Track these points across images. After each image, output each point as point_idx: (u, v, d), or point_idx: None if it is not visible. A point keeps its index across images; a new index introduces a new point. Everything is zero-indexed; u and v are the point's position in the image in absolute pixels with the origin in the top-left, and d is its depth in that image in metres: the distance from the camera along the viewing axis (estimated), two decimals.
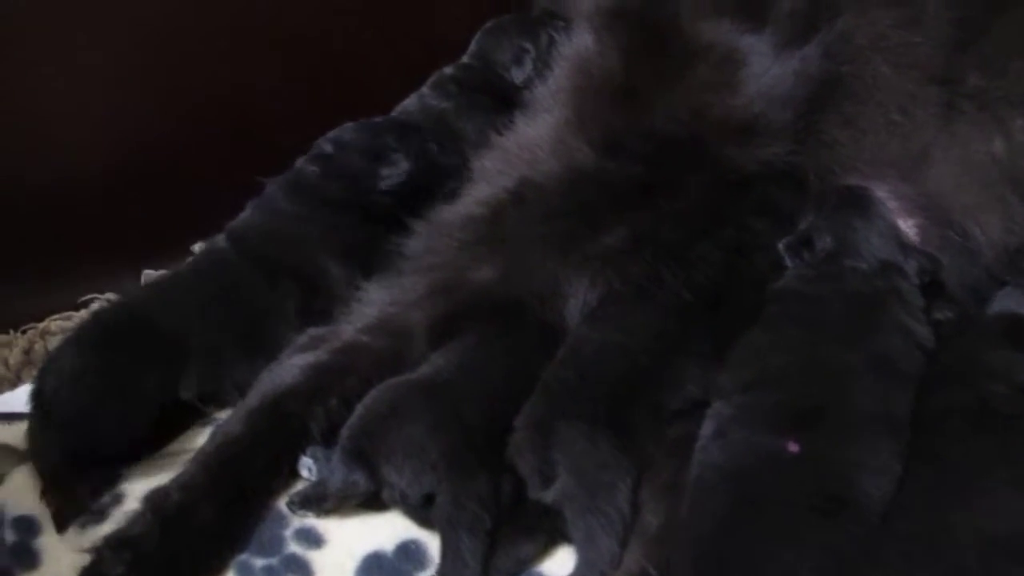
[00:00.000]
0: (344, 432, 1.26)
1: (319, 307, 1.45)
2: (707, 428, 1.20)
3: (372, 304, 1.39)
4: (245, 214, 1.55)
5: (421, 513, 1.22)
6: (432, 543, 1.23)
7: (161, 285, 1.53)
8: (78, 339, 1.40)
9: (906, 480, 1.14)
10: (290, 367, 1.35)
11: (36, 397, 1.34)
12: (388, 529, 1.25)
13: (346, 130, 1.60)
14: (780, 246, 1.32)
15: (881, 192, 1.40)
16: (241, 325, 1.45)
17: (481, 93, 1.70)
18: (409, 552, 1.23)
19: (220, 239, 1.54)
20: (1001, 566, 1.03)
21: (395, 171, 1.54)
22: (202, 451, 1.29)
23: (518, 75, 1.72)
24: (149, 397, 1.36)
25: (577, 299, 1.32)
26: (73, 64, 1.57)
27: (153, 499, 1.22)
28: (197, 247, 1.65)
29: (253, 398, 1.34)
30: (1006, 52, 1.33)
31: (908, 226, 1.40)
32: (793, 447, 1.12)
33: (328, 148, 1.58)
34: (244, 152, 1.66)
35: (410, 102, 1.71)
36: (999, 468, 1.11)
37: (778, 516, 1.06)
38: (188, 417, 1.44)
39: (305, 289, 1.46)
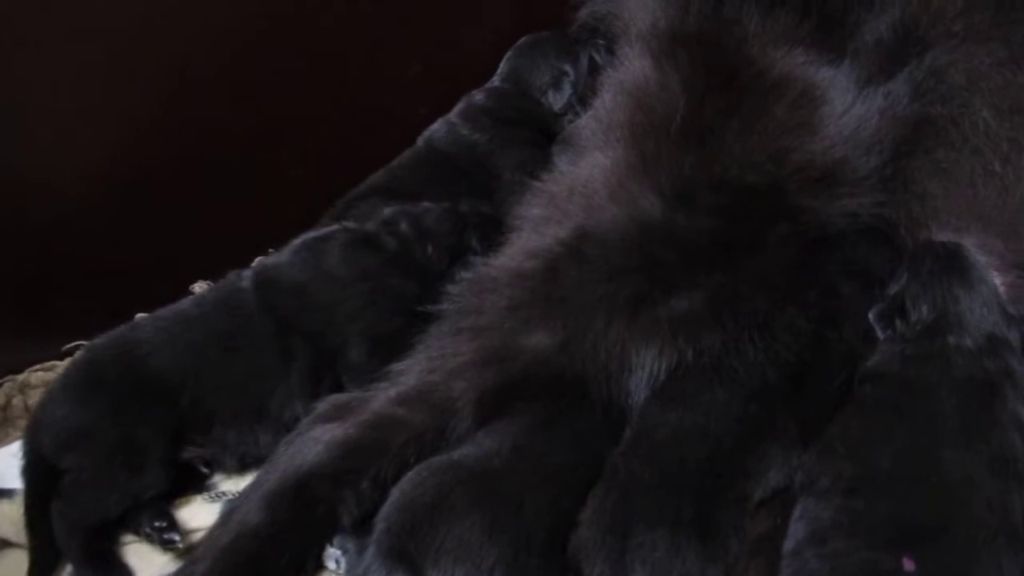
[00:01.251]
0: (381, 525, 1.10)
1: (325, 388, 1.29)
2: (800, 529, 1.06)
3: (408, 370, 1.22)
4: (283, 258, 1.37)
5: None
6: None
7: (161, 319, 1.34)
8: (66, 386, 1.26)
9: None
10: (313, 442, 1.18)
11: (33, 462, 1.22)
12: None
13: (430, 212, 1.41)
14: (871, 316, 1.18)
15: (970, 246, 1.27)
16: (239, 380, 1.29)
17: (517, 125, 1.54)
18: None
19: (244, 277, 1.36)
20: None
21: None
22: (215, 543, 1.12)
23: (556, 101, 1.57)
24: (151, 455, 1.23)
25: (644, 371, 1.17)
26: (52, 108, 1.41)
27: None
28: (197, 287, 1.48)
29: (272, 478, 1.17)
30: None
31: (998, 285, 1.28)
32: (909, 565, 0.98)
33: (405, 228, 1.38)
34: (245, 188, 1.51)
35: (438, 129, 1.56)
36: None
37: None
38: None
39: (317, 364, 1.30)
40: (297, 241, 1.37)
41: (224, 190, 1.52)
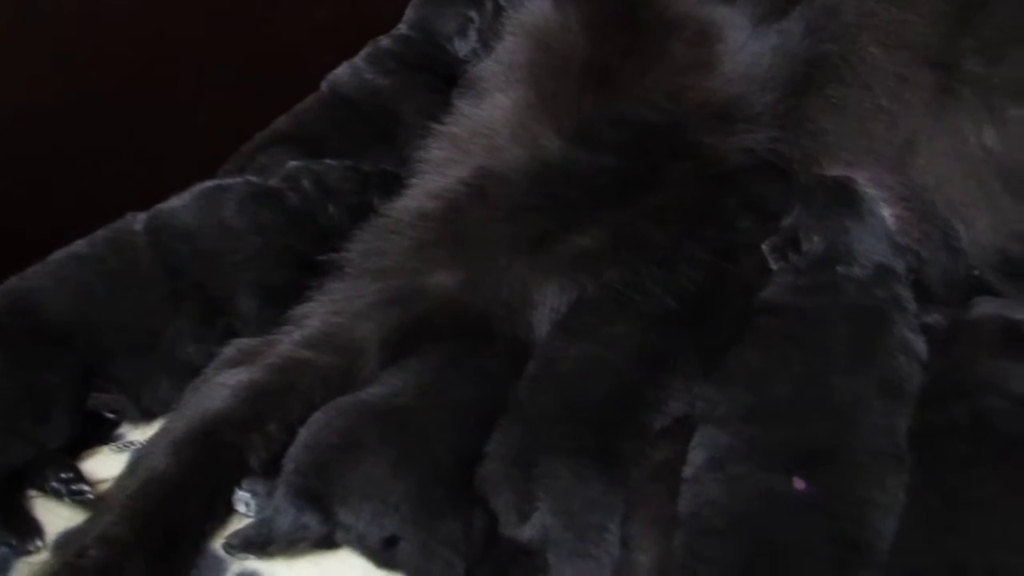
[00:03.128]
0: (289, 465, 1.11)
1: (218, 334, 1.28)
2: (698, 456, 1.09)
3: (313, 313, 1.23)
4: (179, 203, 1.35)
5: (382, 555, 1.08)
6: None
7: (51, 262, 1.32)
8: None
9: (911, 510, 1.05)
10: (219, 387, 1.18)
11: None
12: (344, 572, 1.10)
13: (333, 171, 1.40)
14: (765, 248, 1.22)
15: (861, 179, 1.31)
16: (130, 317, 1.28)
17: (422, 70, 1.55)
18: None
19: (137, 220, 1.34)
20: None
21: None
22: (123, 491, 1.12)
23: (462, 47, 1.57)
24: (55, 402, 1.21)
25: (546, 306, 1.19)
26: None
27: (66, 554, 1.06)
28: None
29: (178, 425, 1.16)
30: (1004, 36, 1.24)
31: (887, 216, 1.31)
32: (800, 485, 1.02)
33: (308, 186, 1.37)
34: (147, 134, 1.48)
35: (342, 74, 1.55)
36: (1005, 496, 1.04)
37: (795, 570, 0.97)
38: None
39: (206, 310, 1.29)
40: (197, 187, 1.36)
41: (125, 135, 1.49)
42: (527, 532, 1.06)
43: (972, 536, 1.02)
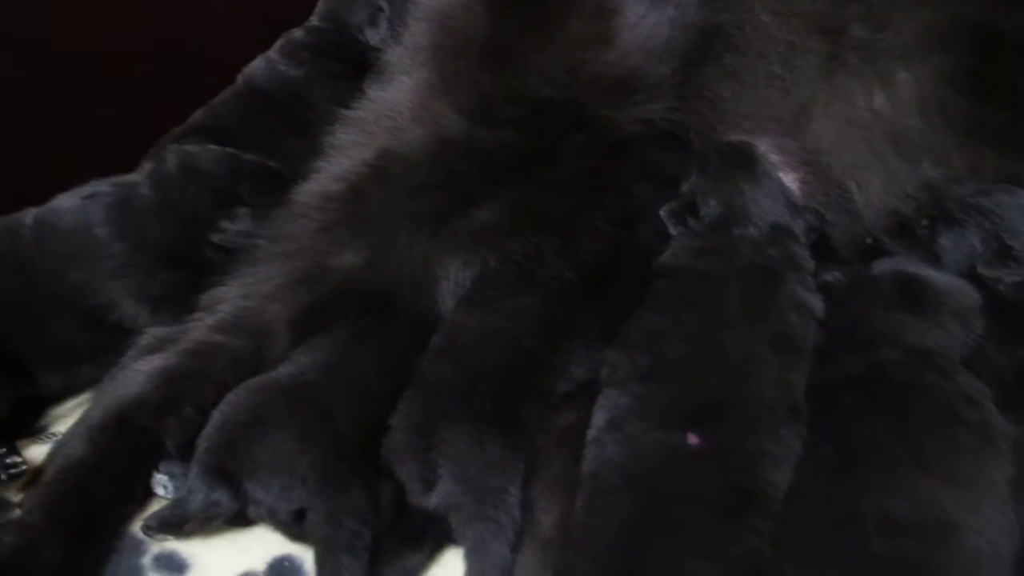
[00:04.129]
0: (200, 445, 1.13)
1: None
2: (600, 418, 1.12)
3: (224, 298, 1.25)
4: (65, 203, 1.34)
5: (293, 528, 1.11)
6: (307, 557, 1.11)
7: None
8: None
9: (806, 460, 1.09)
10: (134, 374, 1.20)
11: None
12: (258, 547, 1.13)
13: (209, 153, 1.37)
14: (663, 213, 1.25)
15: (763, 146, 1.34)
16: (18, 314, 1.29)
17: (334, 59, 1.55)
18: (283, 570, 1.11)
19: (29, 214, 1.34)
20: (907, 548, 0.99)
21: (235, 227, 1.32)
22: (39, 479, 1.15)
23: (373, 36, 1.57)
24: None
25: (449, 281, 1.21)
26: None
27: None
28: None
29: (95, 413, 1.18)
30: (889, 2, 1.27)
31: (791, 181, 1.34)
32: (694, 439, 1.05)
33: (171, 167, 1.35)
34: (55, 131, 1.49)
35: (257, 66, 1.56)
36: (897, 444, 1.07)
37: (687, 521, 1.00)
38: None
39: (89, 312, 1.29)
40: (88, 187, 1.36)
41: (37, 129, 1.50)
42: (433, 500, 1.08)
43: (864, 483, 1.05)
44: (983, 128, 1.26)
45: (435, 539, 1.11)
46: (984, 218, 1.27)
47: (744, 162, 1.25)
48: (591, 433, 1.11)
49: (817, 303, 1.19)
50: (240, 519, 1.14)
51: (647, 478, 1.03)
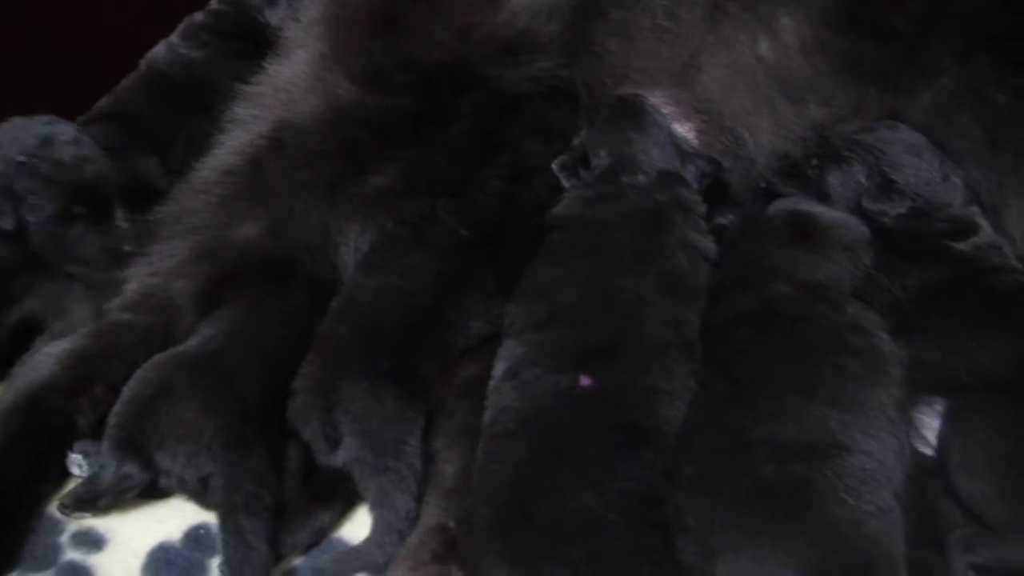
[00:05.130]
0: (111, 420, 1.15)
1: None
2: (499, 368, 1.15)
3: (131, 278, 1.26)
4: None
5: (204, 496, 1.12)
6: None
7: None
8: None
9: (701, 395, 1.12)
10: (45, 357, 1.22)
11: None
12: (174, 517, 1.16)
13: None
14: (555, 167, 1.27)
15: (657, 99, 1.36)
16: None
17: (235, 39, 1.56)
18: (199, 539, 1.14)
19: None
20: (795, 471, 1.02)
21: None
22: None
23: (272, 16, 1.58)
24: None
25: (348, 246, 1.24)
26: None
27: None
28: None
29: (7, 398, 1.20)
30: None
31: (686, 131, 1.37)
32: (586, 381, 1.08)
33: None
34: None
35: (159, 51, 1.57)
36: (787, 374, 1.10)
37: (578, 458, 1.03)
38: None
39: None
40: None
41: None
42: (339, 458, 1.11)
43: (755, 413, 1.08)
44: (864, 66, 1.29)
45: (346, 497, 1.14)
46: (868, 154, 1.30)
47: (632, 113, 1.28)
48: (491, 383, 1.14)
49: (708, 244, 1.22)
50: (156, 492, 1.16)
51: (541, 420, 1.06)
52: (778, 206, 1.29)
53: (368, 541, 1.08)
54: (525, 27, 1.30)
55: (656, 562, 0.97)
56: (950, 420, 1.13)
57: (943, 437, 1.13)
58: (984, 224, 1.29)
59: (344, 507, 1.14)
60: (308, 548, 1.12)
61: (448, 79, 1.27)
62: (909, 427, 1.16)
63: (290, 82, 1.31)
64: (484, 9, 1.30)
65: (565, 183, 1.26)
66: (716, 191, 1.31)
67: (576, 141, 1.29)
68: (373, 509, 1.08)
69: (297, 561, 1.12)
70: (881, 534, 1.00)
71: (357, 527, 1.13)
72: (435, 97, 1.27)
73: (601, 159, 1.26)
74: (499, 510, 1.00)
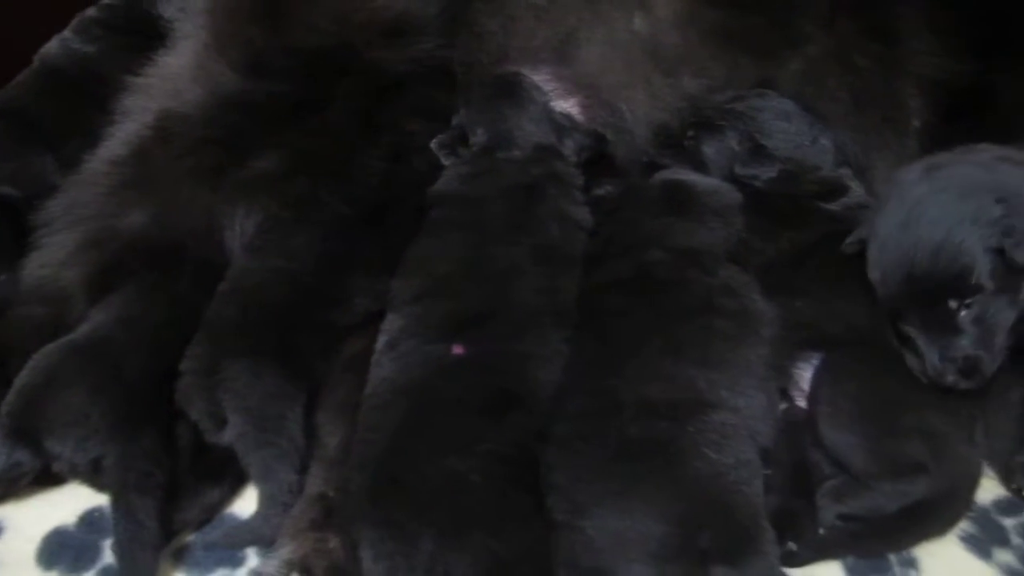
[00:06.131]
0: (3, 411, 1.17)
1: None
2: (380, 342, 1.18)
3: (25, 269, 1.28)
4: None
5: (96, 479, 1.14)
6: None
7: None
8: None
9: (575, 359, 1.16)
10: None
11: None
12: (69, 502, 1.17)
13: None
14: (434, 145, 1.30)
15: (540, 76, 1.40)
16: None
17: (127, 33, 1.57)
18: (93, 521, 1.16)
19: None
20: (659, 429, 1.06)
21: None
22: None
23: (164, 9, 1.59)
24: None
25: (234, 230, 1.26)
26: None
27: None
28: None
29: None
30: None
31: (570, 106, 1.41)
32: (458, 349, 1.12)
33: None
34: None
35: (52, 46, 1.58)
36: (655, 336, 1.14)
37: (446, 424, 1.06)
38: None
39: None
40: None
41: None
42: (227, 436, 1.14)
43: (625, 374, 1.13)
44: (736, 36, 1.33)
45: (236, 474, 1.16)
46: (740, 122, 1.35)
47: (508, 91, 1.31)
48: (374, 357, 1.17)
49: (583, 215, 1.26)
50: (51, 478, 1.18)
51: (414, 389, 1.09)
52: (656, 176, 1.34)
53: (255, 515, 1.11)
54: (404, 10, 1.33)
55: (523, 519, 1.01)
56: (819, 374, 1.18)
57: (812, 391, 1.18)
58: (854, 185, 1.35)
59: (234, 484, 1.17)
60: (200, 525, 1.15)
61: (328, 64, 1.30)
62: (787, 383, 1.22)
63: (175, 73, 1.34)
64: None
65: (444, 161, 1.30)
66: (599, 163, 1.35)
67: (455, 120, 1.32)
68: (257, 483, 1.11)
69: (189, 538, 1.14)
70: (741, 485, 1.05)
71: (248, 503, 1.15)
72: (315, 82, 1.29)
73: (479, 136, 1.29)
74: (372, 477, 1.03)
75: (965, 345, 1.13)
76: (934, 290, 1.13)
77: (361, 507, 1.01)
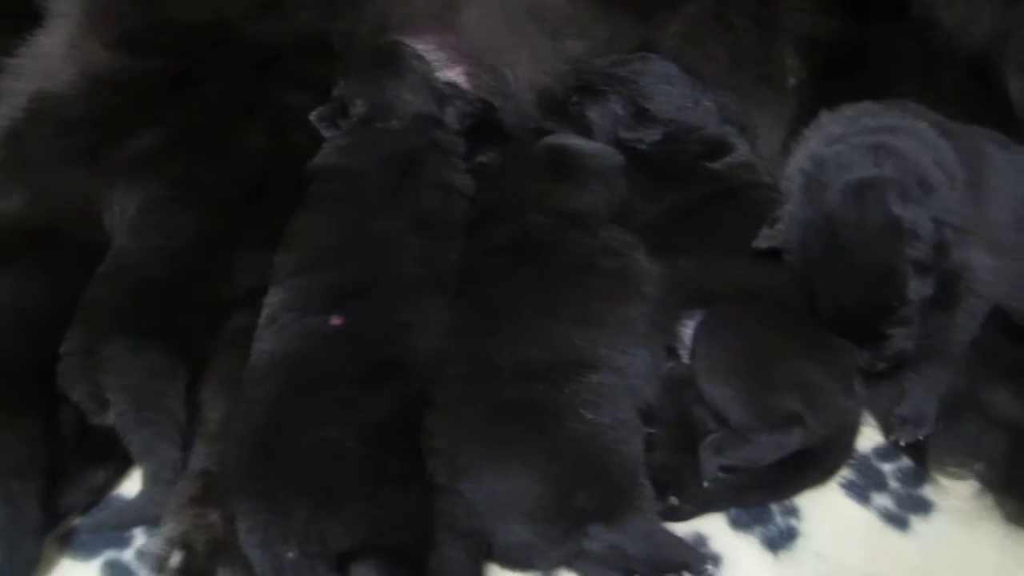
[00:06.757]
0: None
1: None
2: (263, 316, 1.18)
3: None
4: None
5: None
6: None
7: None
8: None
9: (457, 325, 1.16)
10: None
11: None
12: None
13: None
14: (313, 118, 1.30)
15: (424, 45, 1.39)
16: None
17: (4, 16, 1.49)
18: None
19: None
20: (535, 391, 1.07)
21: None
22: None
23: None
24: None
25: (113, 211, 1.24)
26: None
27: None
28: None
29: None
30: None
31: (456, 74, 1.40)
32: (336, 321, 1.12)
33: None
34: None
35: None
36: (533, 298, 1.15)
37: (322, 394, 1.07)
38: None
39: None
40: None
41: None
42: (110, 417, 1.14)
43: (503, 338, 1.13)
44: None
45: (123, 456, 1.15)
46: (622, 86, 1.36)
47: (387, 61, 1.31)
48: (256, 332, 1.17)
49: (464, 181, 1.26)
50: None
51: (292, 362, 1.09)
52: (540, 142, 1.34)
53: (139, 495, 1.11)
54: None
55: (401, 485, 1.01)
56: (699, 330, 1.19)
57: (693, 347, 1.20)
58: (739, 143, 1.36)
59: (121, 465, 1.16)
60: (87, 507, 1.14)
61: (204, 38, 1.29)
62: (673, 340, 1.23)
63: (48, 52, 1.31)
64: None
65: (324, 133, 1.29)
66: (485, 130, 1.36)
67: (335, 92, 1.31)
68: (139, 462, 1.11)
69: (76, 521, 1.14)
70: (618, 444, 1.07)
71: (135, 483, 1.14)
72: (191, 57, 1.28)
73: (358, 108, 1.28)
74: (249, 450, 1.04)
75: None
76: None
77: (237, 479, 1.01)
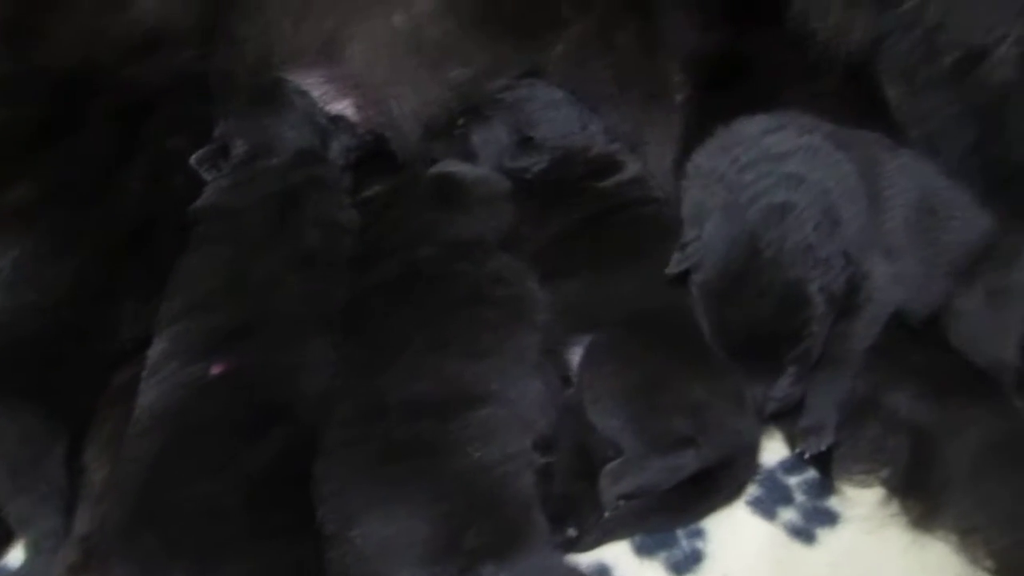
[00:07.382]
0: None
1: None
2: (146, 368, 1.14)
3: None
4: None
5: None
6: None
7: None
8: None
9: (343, 366, 1.14)
10: None
11: None
12: None
13: None
14: (193, 161, 1.27)
15: (311, 79, 1.37)
16: None
17: None
18: None
19: None
20: (423, 429, 1.04)
21: None
22: None
23: None
24: None
25: None
26: None
27: None
28: None
29: None
30: None
31: (344, 107, 1.39)
32: (217, 369, 1.09)
33: None
34: None
35: None
36: (420, 333, 1.13)
37: (200, 447, 1.03)
38: None
39: None
40: None
41: None
42: None
43: (390, 375, 1.10)
44: (496, 22, 1.31)
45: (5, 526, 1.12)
46: (508, 114, 1.34)
47: (267, 98, 1.29)
48: (141, 386, 1.14)
49: (348, 217, 1.24)
50: None
51: (172, 414, 1.06)
52: (428, 171, 1.33)
53: (22, 565, 1.07)
54: (158, 22, 1.28)
55: (285, 538, 0.98)
56: (584, 358, 1.18)
57: (578, 375, 1.18)
58: (629, 160, 1.35)
59: (9, 534, 1.11)
60: None
61: (79, 85, 1.25)
62: (565, 368, 1.22)
63: None
64: (112, 10, 1.27)
65: (205, 176, 1.26)
66: (373, 163, 1.34)
67: (216, 132, 1.29)
68: (19, 531, 1.07)
69: None
70: (509, 478, 1.04)
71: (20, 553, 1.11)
72: (65, 105, 1.24)
73: (238, 148, 1.26)
74: (127, 511, 1.00)
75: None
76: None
77: (115, 543, 0.98)
